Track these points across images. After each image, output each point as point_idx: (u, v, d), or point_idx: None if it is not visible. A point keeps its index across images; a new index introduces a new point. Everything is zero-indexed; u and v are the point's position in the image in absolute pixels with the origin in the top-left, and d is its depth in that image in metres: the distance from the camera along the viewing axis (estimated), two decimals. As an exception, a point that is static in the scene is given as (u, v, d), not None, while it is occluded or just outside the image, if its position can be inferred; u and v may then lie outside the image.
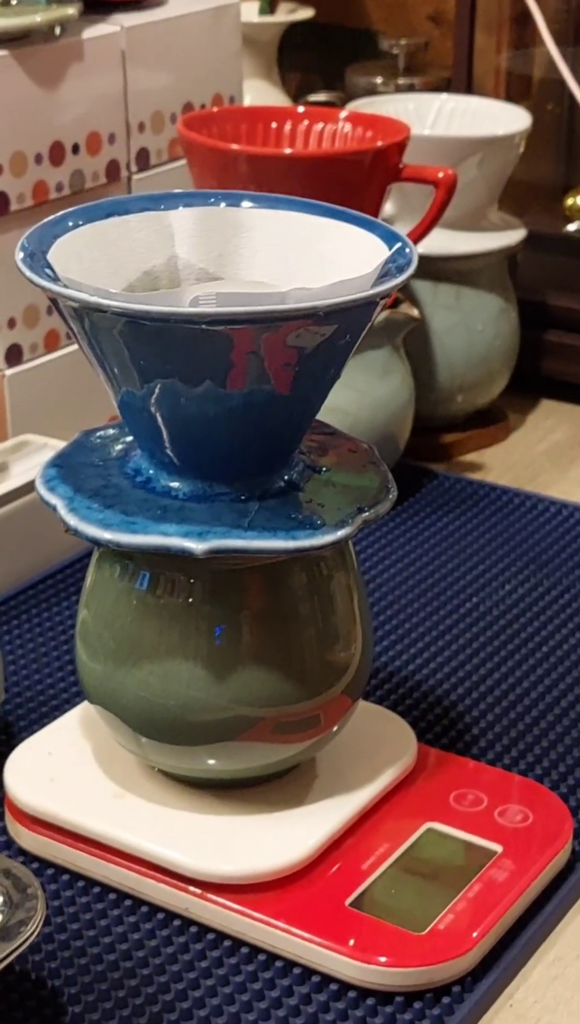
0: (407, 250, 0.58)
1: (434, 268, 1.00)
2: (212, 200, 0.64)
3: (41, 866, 0.64)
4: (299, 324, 0.54)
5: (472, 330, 1.02)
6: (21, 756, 0.67)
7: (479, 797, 0.66)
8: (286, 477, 0.60)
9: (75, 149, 0.93)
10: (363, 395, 0.92)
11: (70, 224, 0.61)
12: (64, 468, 0.62)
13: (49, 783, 0.65)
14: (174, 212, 0.63)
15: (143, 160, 0.99)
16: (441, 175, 0.89)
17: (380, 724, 0.69)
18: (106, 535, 0.58)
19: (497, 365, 1.04)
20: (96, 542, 0.58)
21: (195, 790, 0.64)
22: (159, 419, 0.58)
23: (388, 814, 0.65)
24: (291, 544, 0.57)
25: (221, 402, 0.56)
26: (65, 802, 0.64)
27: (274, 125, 0.94)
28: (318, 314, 0.53)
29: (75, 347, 0.93)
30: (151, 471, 0.61)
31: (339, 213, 0.63)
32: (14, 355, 0.92)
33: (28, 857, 0.65)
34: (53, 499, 0.60)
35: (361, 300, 0.55)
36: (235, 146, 0.88)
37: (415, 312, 0.95)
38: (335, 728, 0.64)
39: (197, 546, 0.57)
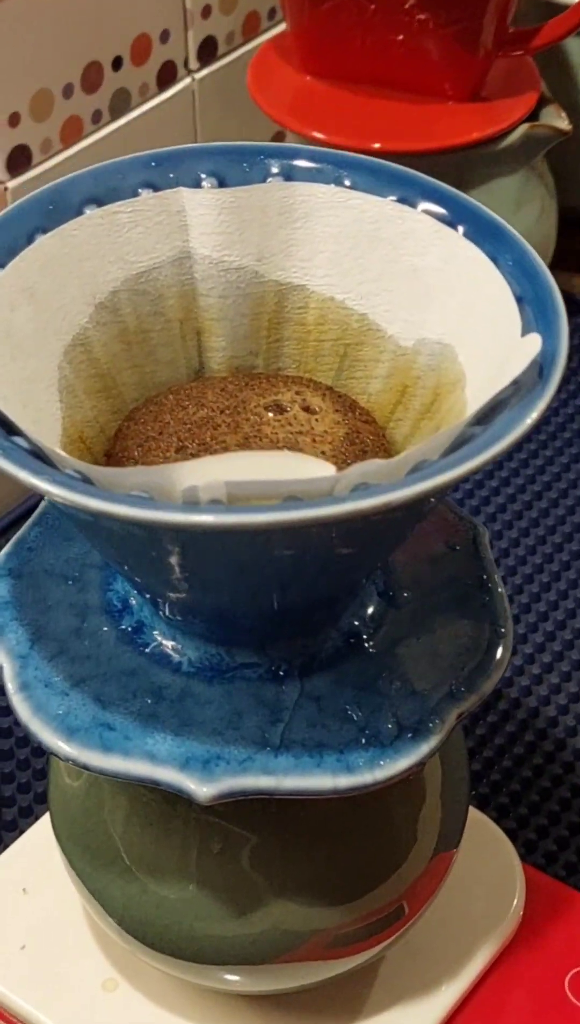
0: (557, 340, 0.35)
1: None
2: (251, 159, 0.41)
3: (10, 1057, 0.48)
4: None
5: None
6: (-13, 894, 0.49)
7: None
8: (346, 625, 0.40)
9: (116, 64, 0.70)
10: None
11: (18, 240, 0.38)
12: (22, 582, 0.42)
13: (19, 953, 0.48)
14: (188, 192, 0.40)
15: (207, 52, 0.74)
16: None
17: (472, 845, 0.50)
18: (68, 748, 0.38)
19: None
20: (54, 755, 0.39)
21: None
22: (155, 561, 0.37)
23: (474, 1019, 0.47)
24: (343, 781, 0.38)
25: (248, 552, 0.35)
26: (36, 992, 0.47)
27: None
28: (389, 507, 0.32)
29: (101, 136, 0.72)
30: (143, 612, 0.40)
31: (457, 206, 0.39)
32: (19, 159, 0.69)
33: (-6, 1041, 0.49)
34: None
35: (463, 476, 0.33)
36: None
37: (564, 122, 0.69)
38: (424, 911, 0.46)
39: (200, 788, 0.37)
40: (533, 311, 0.36)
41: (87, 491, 0.32)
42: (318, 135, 0.66)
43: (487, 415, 0.34)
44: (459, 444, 0.33)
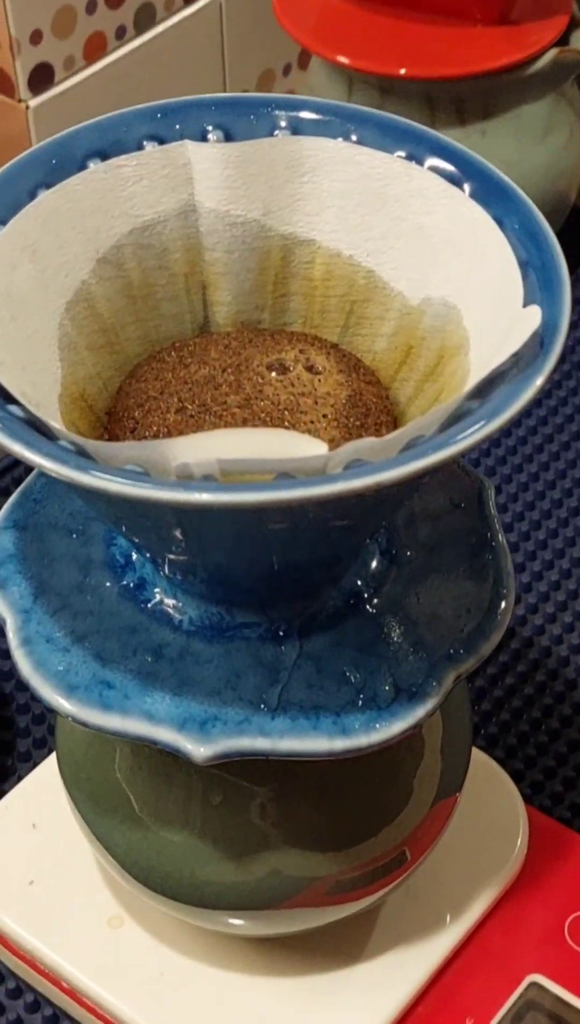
0: (559, 315, 0.35)
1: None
2: (258, 111, 0.40)
3: (18, 987, 0.50)
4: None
5: None
6: (-4, 829, 0.50)
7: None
8: (348, 584, 0.40)
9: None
10: (513, 167, 0.68)
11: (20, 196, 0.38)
12: (27, 534, 0.42)
13: (28, 888, 0.49)
14: (194, 146, 0.40)
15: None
16: None
17: (475, 788, 0.51)
18: (68, 705, 0.39)
19: None
20: (53, 710, 0.39)
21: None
22: (151, 528, 0.37)
23: (476, 961, 0.48)
24: (339, 744, 0.38)
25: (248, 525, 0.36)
26: (43, 928, 0.48)
27: None
28: (381, 487, 0.32)
29: (124, 52, 0.71)
30: (145, 568, 0.41)
31: (465, 164, 0.39)
32: (42, 77, 0.69)
33: (7, 973, 0.50)
34: (2, 606, 0.40)
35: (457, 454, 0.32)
36: None
37: (594, 46, 0.68)
38: (426, 856, 0.46)
39: (197, 748, 0.38)
40: (537, 277, 0.36)
41: (80, 466, 0.32)
42: (342, 59, 0.65)
43: (485, 387, 0.34)
44: (456, 418, 0.33)
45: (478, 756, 0.51)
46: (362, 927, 0.47)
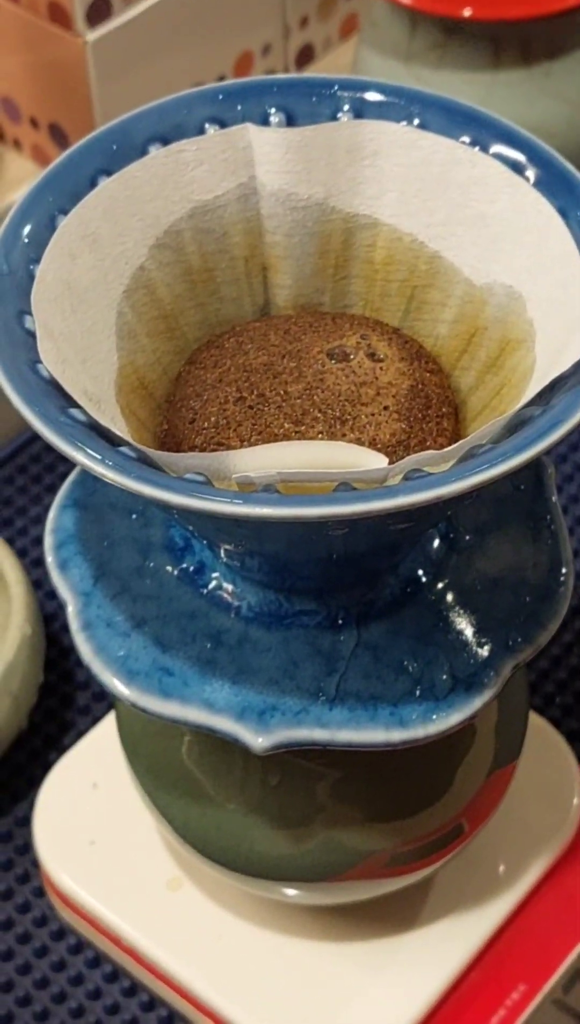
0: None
1: None
2: (321, 92, 0.40)
3: (79, 943, 0.51)
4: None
5: None
6: (56, 790, 0.51)
7: None
8: (406, 571, 0.40)
9: None
10: (577, 108, 0.67)
11: (61, 195, 0.38)
12: (88, 514, 0.42)
13: (88, 848, 0.50)
14: (255, 130, 0.39)
15: None
16: None
17: (530, 752, 0.51)
18: (128, 691, 0.39)
19: None
20: (114, 696, 0.40)
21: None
22: (209, 525, 0.37)
23: (529, 926, 0.49)
24: (396, 735, 0.38)
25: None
26: (104, 888, 0.49)
27: None
28: (440, 500, 0.32)
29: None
30: (205, 552, 0.41)
31: (531, 151, 0.38)
32: (100, 11, 0.68)
33: (68, 928, 0.51)
34: (64, 588, 0.41)
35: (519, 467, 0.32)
36: None
37: None
38: (483, 826, 0.47)
39: (256, 739, 0.38)
40: (602, 273, 0.36)
41: (142, 477, 0.32)
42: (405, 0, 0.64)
43: (546, 392, 0.34)
44: (517, 425, 0.33)
45: (534, 720, 0.52)
46: (418, 893, 0.48)
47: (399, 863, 0.45)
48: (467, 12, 0.63)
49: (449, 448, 0.32)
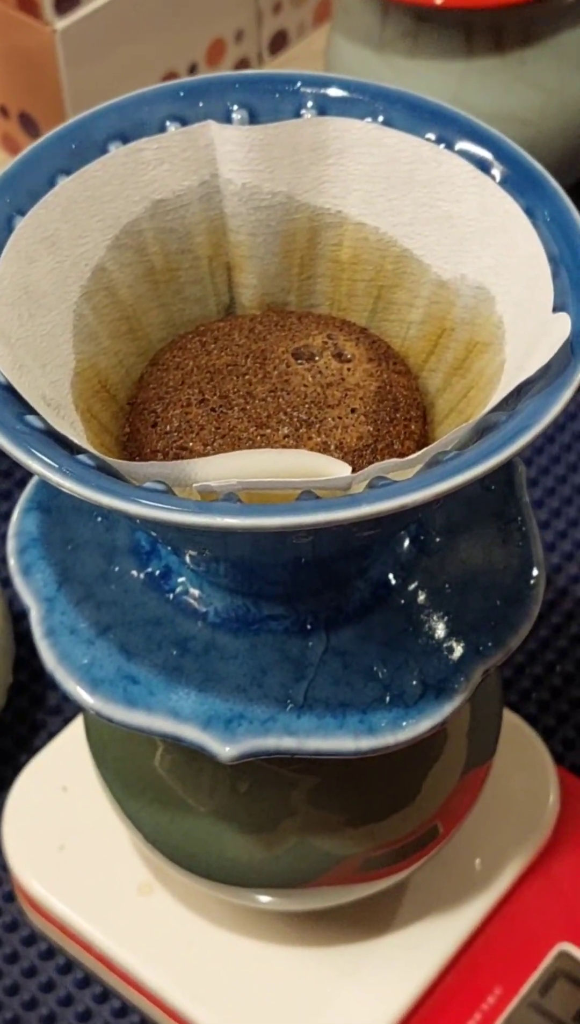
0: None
1: None
2: (283, 88, 0.39)
3: (50, 949, 0.50)
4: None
5: None
6: (25, 794, 0.50)
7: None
8: (376, 575, 0.40)
9: None
10: (552, 96, 0.66)
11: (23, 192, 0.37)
12: (50, 517, 0.41)
13: (58, 852, 0.49)
14: (217, 127, 0.39)
15: None
16: None
17: (505, 751, 0.51)
18: (92, 700, 0.38)
19: None
20: (78, 705, 0.39)
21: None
22: (178, 534, 0.37)
23: (506, 928, 0.48)
24: (365, 743, 0.38)
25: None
26: (74, 893, 0.48)
27: None
28: (405, 508, 0.31)
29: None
30: (171, 557, 0.40)
31: (497, 148, 0.37)
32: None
33: (39, 934, 0.50)
34: (27, 594, 0.40)
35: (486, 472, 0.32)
36: None
37: None
38: (458, 828, 0.46)
39: (222, 748, 0.37)
40: (568, 274, 0.35)
41: (100, 486, 0.31)
42: (376, -13, 0.63)
43: (512, 398, 0.33)
44: (484, 430, 0.32)
45: (508, 718, 0.51)
46: (393, 895, 0.48)
47: (373, 867, 0.44)
48: (438, -1, 0.62)
49: (413, 455, 0.32)
